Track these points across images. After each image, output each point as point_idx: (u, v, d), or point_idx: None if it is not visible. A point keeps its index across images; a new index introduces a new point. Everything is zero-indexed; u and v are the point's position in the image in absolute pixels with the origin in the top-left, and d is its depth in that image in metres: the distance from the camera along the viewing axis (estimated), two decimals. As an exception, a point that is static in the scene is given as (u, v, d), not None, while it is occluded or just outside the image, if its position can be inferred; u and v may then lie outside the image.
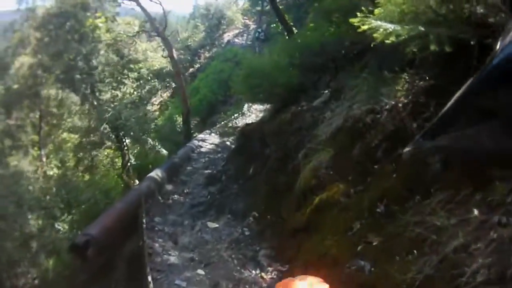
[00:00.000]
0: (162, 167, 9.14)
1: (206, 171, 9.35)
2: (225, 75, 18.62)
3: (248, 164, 7.72)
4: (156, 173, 8.29)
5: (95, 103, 14.19)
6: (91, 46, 13.30)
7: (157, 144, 15.45)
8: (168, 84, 22.51)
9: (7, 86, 13.98)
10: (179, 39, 26.30)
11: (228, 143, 11.68)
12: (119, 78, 14.93)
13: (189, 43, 26.20)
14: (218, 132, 13.21)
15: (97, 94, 14.36)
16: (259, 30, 17.24)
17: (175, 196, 7.98)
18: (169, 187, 8.36)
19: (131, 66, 15.21)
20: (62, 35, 12.98)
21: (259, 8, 26.99)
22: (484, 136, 2.26)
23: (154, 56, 16.20)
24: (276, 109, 7.09)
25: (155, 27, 14.99)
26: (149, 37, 17.60)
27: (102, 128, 13.87)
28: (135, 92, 15.76)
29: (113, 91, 14.77)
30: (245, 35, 30.58)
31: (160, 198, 7.64)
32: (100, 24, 13.21)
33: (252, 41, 27.93)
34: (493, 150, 2.38)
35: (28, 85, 13.65)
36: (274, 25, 12.72)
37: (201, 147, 11.42)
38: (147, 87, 16.28)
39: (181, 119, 16.23)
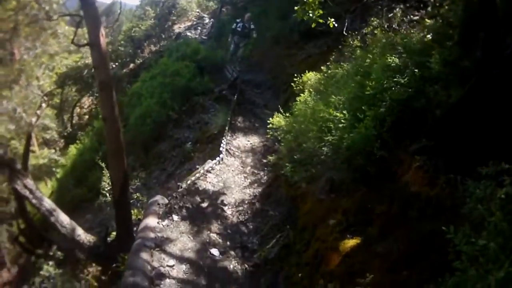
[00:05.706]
0: None
1: None
2: (183, 80, 13.60)
3: None
4: None
5: None
6: None
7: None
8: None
9: None
10: (122, 30, 20.56)
11: (216, 253, 5.54)
12: None
13: (133, 34, 20.54)
14: (184, 208, 6.30)
15: None
16: (237, 20, 12.91)
17: None
18: None
19: None
20: None
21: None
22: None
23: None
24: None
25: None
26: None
27: None
28: None
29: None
30: (199, 28, 26.32)
31: None
32: None
33: (208, 34, 23.46)
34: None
35: None
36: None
37: (162, 276, 4.68)
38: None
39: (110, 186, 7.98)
